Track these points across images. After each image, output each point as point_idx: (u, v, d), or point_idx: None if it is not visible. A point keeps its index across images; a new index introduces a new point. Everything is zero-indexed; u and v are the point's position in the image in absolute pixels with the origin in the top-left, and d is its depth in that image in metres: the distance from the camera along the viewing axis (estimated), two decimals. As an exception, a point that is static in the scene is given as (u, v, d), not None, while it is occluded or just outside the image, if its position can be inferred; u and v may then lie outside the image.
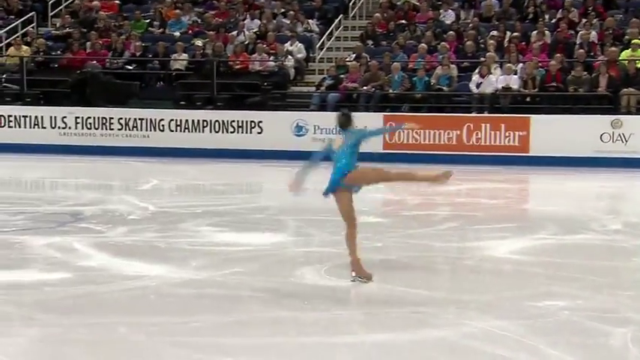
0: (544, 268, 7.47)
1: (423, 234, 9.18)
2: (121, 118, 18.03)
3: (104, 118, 18.11)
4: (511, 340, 5.29)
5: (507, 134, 16.56)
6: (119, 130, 18.04)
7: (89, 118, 18.17)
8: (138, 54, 19.72)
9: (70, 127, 18.18)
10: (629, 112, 16.50)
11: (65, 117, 18.19)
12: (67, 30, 21.03)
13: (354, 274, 6.64)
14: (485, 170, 15.57)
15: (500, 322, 5.65)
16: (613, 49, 17.41)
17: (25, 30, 21.69)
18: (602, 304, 6.22)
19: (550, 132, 16.29)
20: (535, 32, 18.65)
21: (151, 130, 17.94)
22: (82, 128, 18.17)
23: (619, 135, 16.09)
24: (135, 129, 17.98)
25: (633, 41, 17.53)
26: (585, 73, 16.92)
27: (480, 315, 5.85)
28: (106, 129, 18.08)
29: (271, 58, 19.18)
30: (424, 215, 10.71)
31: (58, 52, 20.33)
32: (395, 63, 18.05)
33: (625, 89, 16.60)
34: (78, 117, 18.19)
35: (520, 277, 7.16)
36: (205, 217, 10.06)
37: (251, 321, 5.75)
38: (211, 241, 8.62)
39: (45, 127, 18.24)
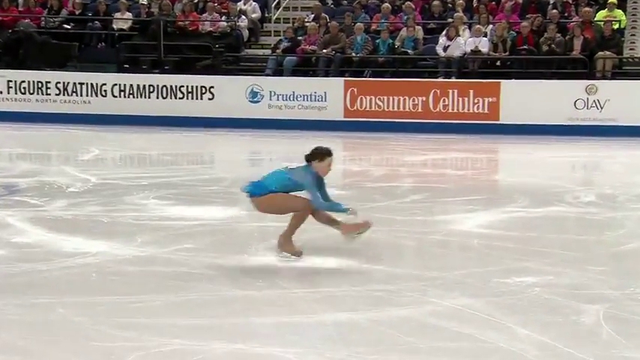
0: (514, 242, 7.57)
1: (386, 207, 9.24)
2: (59, 83, 17.82)
3: (40, 82, 17.87)
4: (479, 319, 5.36)
5: (476, 101, 16.68)
6: (57, 95, 17.82)
7: (23, 82, 17.91)
8: (77, 12, 19.42)
9: (1, 92, 17.94)
10: (604, 77, 16.71)
11: (-4, 81, 17.92)
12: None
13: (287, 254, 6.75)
14: (453, 139, 15.69)
15: (467, 300, 5.72)
16: (588, 9, 17.58)
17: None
18: (574, 280, 6.32)
19: (521, 98, 16.44)
20: (506, -9, 18.75)
21: (91, 96, 17.74)
22: (16, 93, 17.92)
23: (594, 101, 16.30)
24: (74, 94, 17.77)
25: (610, 0, 17.71)
26: (559, 35, 17.07)
27: (447, 292, 5.92)
28: (43, 94, 17.84)
29: (223, 18, 19.03)
30: (388, 187, 10.77)
31: (-13, 9, 19.97)
32: (357, 24, 18.03)
33: (600, 52, 16.79)
34: (10, 81, 17.93)
35: (489, 253, 7.25)
36: (152, 189, 10.02)
37: (202, 301, 5.76)
38: (159, 215, 8.57)
39: (-26, 92, 17.96)
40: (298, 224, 6.71)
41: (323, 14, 18.77)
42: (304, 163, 6.75)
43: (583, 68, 16.86)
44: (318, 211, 6.77)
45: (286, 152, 12.28)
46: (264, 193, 6.69)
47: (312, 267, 6.62)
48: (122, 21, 19.15)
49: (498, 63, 17.38)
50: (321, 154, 6.75)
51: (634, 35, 18.51)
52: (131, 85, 17.67)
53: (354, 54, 17.70)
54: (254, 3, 19.64)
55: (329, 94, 17.10)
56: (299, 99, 17.17)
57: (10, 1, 19.67)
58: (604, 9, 17.74)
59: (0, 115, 17.49)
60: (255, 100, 17.32)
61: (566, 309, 5.61)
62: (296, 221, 6.70)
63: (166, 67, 18.25)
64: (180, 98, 17.57)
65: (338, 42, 17.83)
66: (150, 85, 17.63)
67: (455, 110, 16.77)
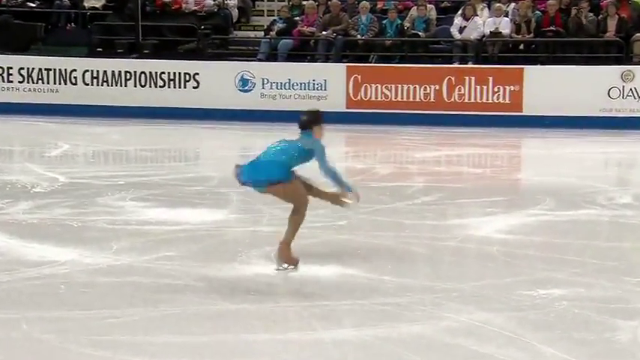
0: (539, 250, 7.59)
1: (394, 209, 9.25)
2: (22, 68, 17.81)
3: (1, 67, 17.86)
4: (500, 336, 5.37)
5: (496, 89, 16.68)
6: (20, 82, 17.81)
7: (-18, 67, 17.94)
8: (43, -11, 19.44)
9: (-42, 79, 17.95)
10: (642, 63, 16.72)
11: (-48, 66, 17.95)
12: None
13: (285, 265, 6.72)
14: (469, 133, 15.69)
15: (486, 315, 5.73)
16: (624, -15, 17.60)
17: None
18: (607, 293, 6.34)
19: (547, 86, 16.44)
20: (530, -35, 18.75)
21: (59, 84, 17.73)
22: (-26, 80, 17.93)
23: (630, 89, 16.30)
24: (40, 81, 17.76)
25: (648, -24, 17.74)
26: (591, 14, 17.07)
27: (463, 306, 5.93)
28: (4, 81, 17.85)
29: (209, -6, 19.03)
30: (396, 187, 10.79)
31: (-58, -14, 19.98)
32: (361, 2, 18.04)
33: (638, 34, 16.79)
34: (-32, 66, 17.95)
35: (510, 262, 7.27)
36: (129, 189, 10.03)
37: (186, 315, 5.77)
38: (137, 219, 8.60)
39: None
40: (298, 227, 6.71)
41: (322, -9, 18.79)
42: (304, 131, 6.77)
43: (618, 52, 16.87)
44: (315, 187, 6.80)
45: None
46: (285, 178, 6.62)
47: (310, 278, 6.63)
48: (94, -2, 19.16)
49: (521, 46, 17.38)
50: (321, 118, 6.84)
51: (676, 15, 18.54)
52: (105, 72, 17.65)
53: (358, 36, 17.70)
54: (244, -22, 19.67)
55: (329, 81, 17.11)
56: (295, 87, 17.18)
57: (-33, -24, 19.71)
58: (642, -15, 17.77)
59: (-44, 105, 17.53)
60: (246, 88, 17.32)
61: (598, 325, 5.62)
62: (296, 224, 6.69)
63: (145, 51, 18.24)
64: (160, 86, 17.56)
65: (340, 23, 17.83)
66: (126, 72, 17.60)
67: (472, 100, 16.77)
